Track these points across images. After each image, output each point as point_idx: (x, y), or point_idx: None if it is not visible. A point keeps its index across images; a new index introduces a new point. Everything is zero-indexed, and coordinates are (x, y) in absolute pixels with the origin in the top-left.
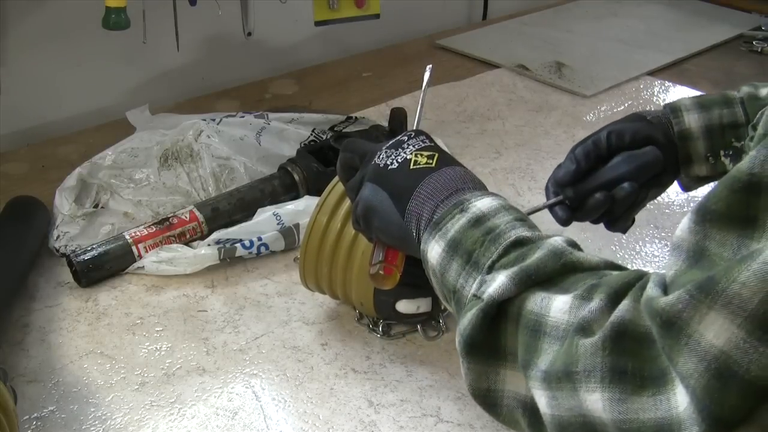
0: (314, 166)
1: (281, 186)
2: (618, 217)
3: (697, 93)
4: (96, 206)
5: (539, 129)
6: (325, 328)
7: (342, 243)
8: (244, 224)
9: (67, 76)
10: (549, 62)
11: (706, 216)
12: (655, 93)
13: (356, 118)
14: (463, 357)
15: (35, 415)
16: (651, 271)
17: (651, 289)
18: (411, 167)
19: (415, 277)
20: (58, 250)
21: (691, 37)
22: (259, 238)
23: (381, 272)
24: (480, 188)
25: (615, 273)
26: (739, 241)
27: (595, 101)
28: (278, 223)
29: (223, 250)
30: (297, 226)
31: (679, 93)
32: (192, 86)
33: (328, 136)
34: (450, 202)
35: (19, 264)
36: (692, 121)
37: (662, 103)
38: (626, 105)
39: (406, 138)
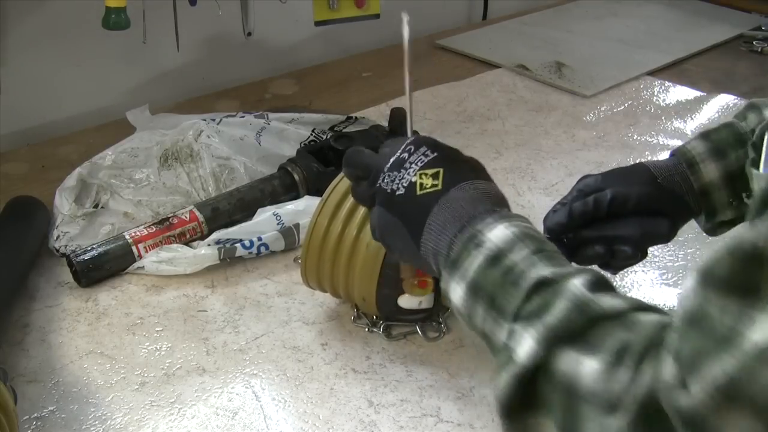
0: (314, 166)
1: (281, 186)
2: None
3: (697, 93)
4: (96, 206)
5: (539, 129)
6: (325, 328)
7: (344, 243)
8: (244, 224)
9: (67, 76)
10: (549, 62)
11: (708, 279)
12: (655, 93)
13: (356, 118)
14: (502, 419)
15: (35, 415)
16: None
17: (666, 368)
18: (418, 192)
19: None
20: (58, 250)
21: (691, 37)
22: (259, 238)
23: (415, 284)
24: (493, 207)
25: (641, 323)
26: (740, 310)
27: (595, 101)
28: (278, 223)
29: (223, 250)
30: (297, 226)
31: (679, 93)
32: (192, 86)
33: (328, 136)
34: (464, 235)
35: (19, 264)
36: (711, 172)
37: (669, 144)
38: (626, 105)
39: (406, 155)
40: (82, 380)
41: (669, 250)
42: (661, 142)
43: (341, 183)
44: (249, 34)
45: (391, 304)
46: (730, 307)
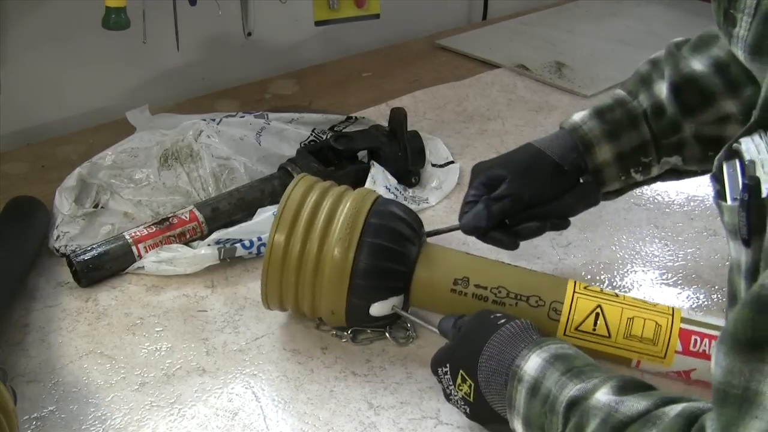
0: (314, 166)
1: (281, 186)
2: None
3: None
4: (96, 206)
5: (539, 129)
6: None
7: (306, 259)
8: (244, 224)
9: (67, 76)
10: (549, 62)
11: (723, 340)
12: None
13: (356, 118)
14: None
15: (35, 415)
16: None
17: None
18: (473, 400)
19: (386, 277)
20: (58, 250)
21: (691, 37)
22: (259, 238)
23: None
24: (522, 338)
25: (666, 415)
26: (753, 367)
27: (595, 101)
28: None
29: (223, 250)
30: None
31: None
32: (192, 86)
33: (328, 136)
34: (510, 374)
35: (19, 264)
36: (604, 152)
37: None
38: None
39: (443, 385)
40: (82, 380)
41: (669, 250)
42: None
43: (294, 191)
44: (249, 34)
45: (361, 313)
46: (737, 365)
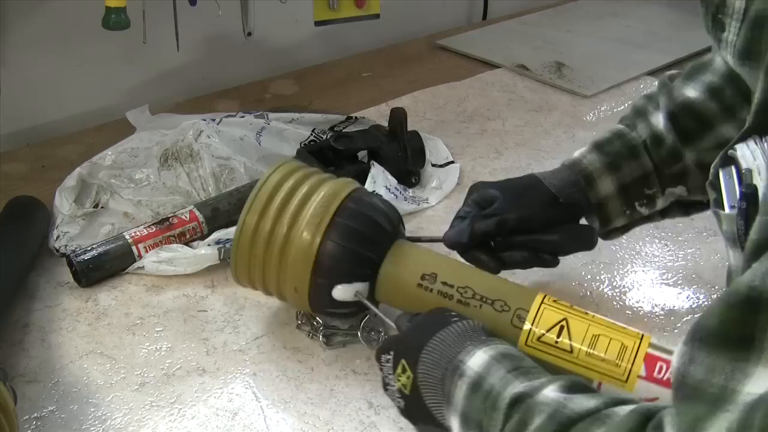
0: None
1: None
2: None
3: None
4: (96, 206)
5: (539, 129)
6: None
7: (274, 241)
8: None
9: (67, 76)
10: (549, 62)
11: (697, 335)
12: None
13: (356, 118)
14: None
15: (35, 415)
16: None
17: None
18: (409, 393)
19: (353, 261)
20: (58, 250)
21: (691, 37)
22: None
23: None
24: (470, 336)
25: (616, 414)
26: (733, 366)
27: (595, 101)
28: None
29: (223, 250)
30: None
31: None
32: (192, 86)
33: (328, 136)
34: (450, 368)
35: (19, 264)
36: (606, 186)
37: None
38: (626, 105)
39: (382, 372)
40: (82, 380)
41: (669, 250)
42: None
43: (272, 177)
44: (249, 34)
45: (324, 294)
46: (720, 363)
